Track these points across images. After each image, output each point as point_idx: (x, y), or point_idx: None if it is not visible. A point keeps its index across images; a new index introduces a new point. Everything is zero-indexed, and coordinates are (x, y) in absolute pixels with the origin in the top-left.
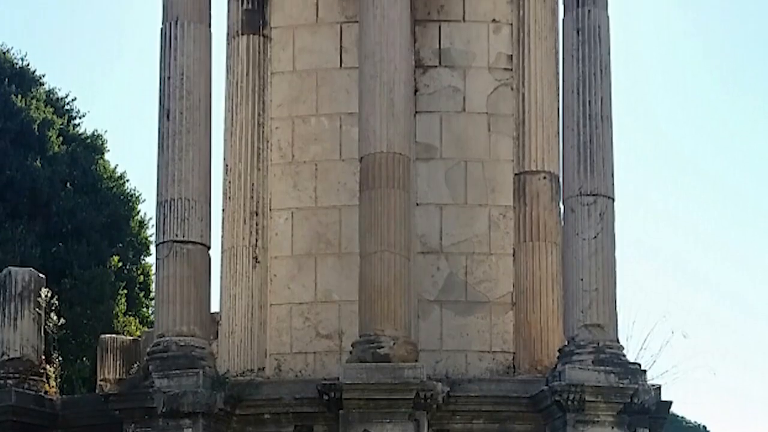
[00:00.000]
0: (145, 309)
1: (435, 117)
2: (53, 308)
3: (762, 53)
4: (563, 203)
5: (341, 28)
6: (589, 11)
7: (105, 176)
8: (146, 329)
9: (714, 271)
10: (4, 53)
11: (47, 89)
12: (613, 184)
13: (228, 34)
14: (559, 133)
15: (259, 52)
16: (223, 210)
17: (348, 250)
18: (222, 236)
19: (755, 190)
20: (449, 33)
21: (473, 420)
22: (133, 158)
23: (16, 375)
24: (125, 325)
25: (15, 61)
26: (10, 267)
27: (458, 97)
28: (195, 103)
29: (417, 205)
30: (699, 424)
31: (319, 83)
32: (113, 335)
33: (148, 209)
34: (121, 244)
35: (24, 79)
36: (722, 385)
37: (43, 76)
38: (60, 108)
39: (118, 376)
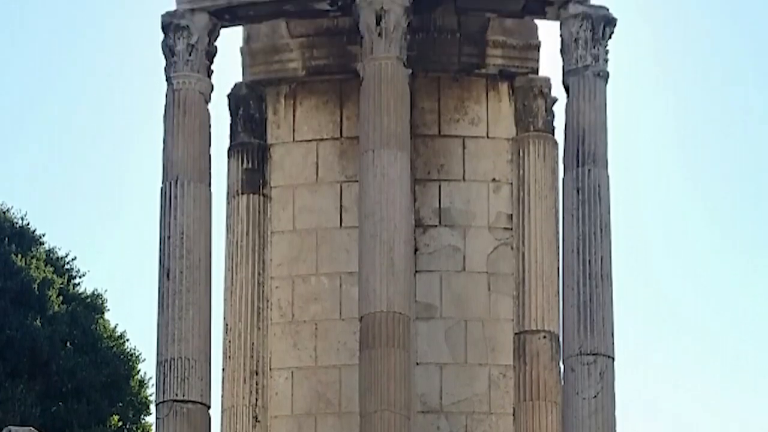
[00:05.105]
0: None
1: (435, 276)
2: None
3: (762, 214)
4: (563, 362)
5: (341, 187)
6: (589, 170)
7: (105, 336)
8: None
9: (714, 431)
10: (4, 213)
11: (47, 249)
12: (613, 343)
13: (228, 194)
14: (559, 292)
15: (259, 212)
16: (223, 369)
17: (348, 410)
18: (222, 395)
19: (755, 351)
20: (449, 192)
21: None
22: (133, 318)
23: None
24: None
25: (15, 220)
26: (10, 426)
27: (458, 256)
28: (195, 263)
29: (417, 364)
30: None
31: (319, 242)
32: None
33: (148, 368)
34: (121, 404)
35: (24, 238)
36: None
37: (43, 235)
38: (60, 267)
39: None
